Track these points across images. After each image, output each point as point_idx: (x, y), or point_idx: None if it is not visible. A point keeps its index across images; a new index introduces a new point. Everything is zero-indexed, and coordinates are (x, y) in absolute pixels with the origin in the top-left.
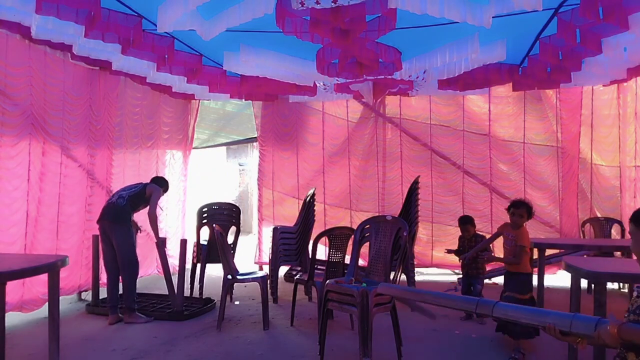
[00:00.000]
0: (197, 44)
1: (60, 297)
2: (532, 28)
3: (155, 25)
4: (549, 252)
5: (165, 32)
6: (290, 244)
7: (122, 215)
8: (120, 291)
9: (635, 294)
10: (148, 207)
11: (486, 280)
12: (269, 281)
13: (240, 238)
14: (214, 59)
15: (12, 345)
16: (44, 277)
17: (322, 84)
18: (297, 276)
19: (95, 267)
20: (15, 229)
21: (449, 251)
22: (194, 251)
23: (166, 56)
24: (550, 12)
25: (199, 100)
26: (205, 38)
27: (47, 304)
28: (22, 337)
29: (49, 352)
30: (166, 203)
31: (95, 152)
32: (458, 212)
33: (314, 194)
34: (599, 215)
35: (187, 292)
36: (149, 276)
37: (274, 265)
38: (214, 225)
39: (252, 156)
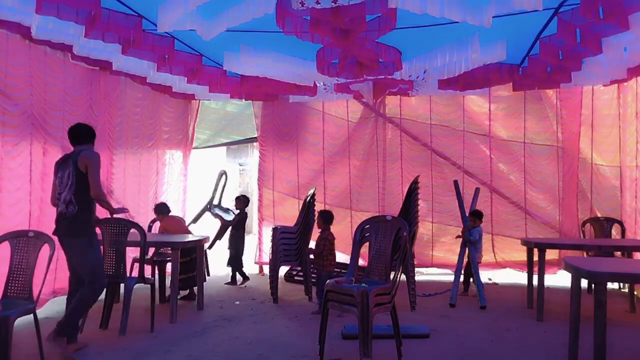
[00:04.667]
0: (197, 44)
1: (61, 297)
2: (532, 28)
3: (155, 25)
4: (549, 252)
5: (165, 32)
6: (290, 244)
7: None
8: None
9: None
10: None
11: (485, 280)
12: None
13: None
14: (214, 59)
15: (12, 345)
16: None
17: (322, 84)
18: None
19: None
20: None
21: None
22: None
23: (166, 56)
24: (550, 12)
25: (199, 100)
26: (206, 38)
27: (47, 303)
28: (22, 337)
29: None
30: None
31: None
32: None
33: (314, 194)
34: (599, 215)
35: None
36: None
37: (274, 265)
38: None
39: (252, 156)
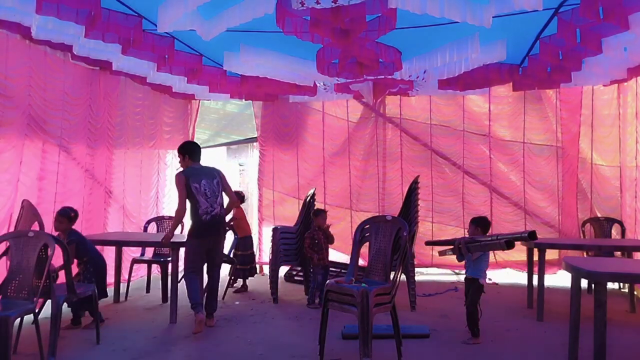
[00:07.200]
0: (197, 44)
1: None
2: (532, 28)
3: (155, 25)
4: (549, 252)
5: (165, 32)
6: (290, 244)
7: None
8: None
9: None
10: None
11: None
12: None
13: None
14: (214, 59)
15: (12, 345)
16: None
17: (322, 84)
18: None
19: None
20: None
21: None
22: None
23: (166, 56)
24: (550, 12)
25: (199, 100)
26: (206, 38)
27: (47, 303)
28: (22, 337)
29: (48, 352)
30: (167, 204)
31: (94, 151)
32: (458, 212)
33: (314, 194)
34: (599, 215)
35: None
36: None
37: (274, 265)
38: None
39: (252, 156)
